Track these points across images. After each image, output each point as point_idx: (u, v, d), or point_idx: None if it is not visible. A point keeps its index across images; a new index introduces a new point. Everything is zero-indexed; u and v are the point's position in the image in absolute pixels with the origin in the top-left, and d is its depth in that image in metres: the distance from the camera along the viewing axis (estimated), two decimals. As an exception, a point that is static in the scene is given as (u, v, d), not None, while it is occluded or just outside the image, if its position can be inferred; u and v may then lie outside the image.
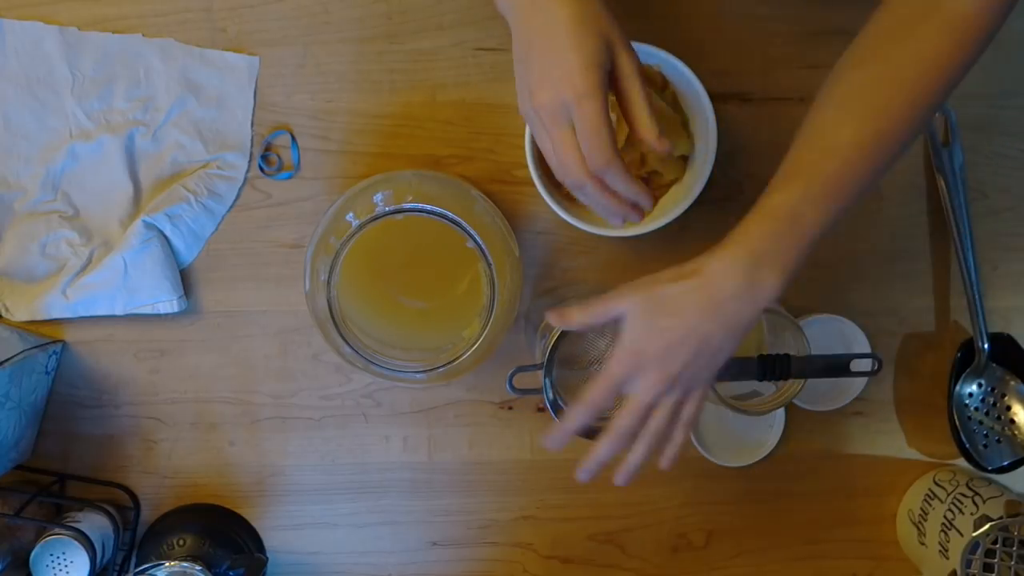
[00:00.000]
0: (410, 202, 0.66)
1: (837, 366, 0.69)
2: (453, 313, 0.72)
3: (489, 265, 0.66)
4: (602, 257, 0.82)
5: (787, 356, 0.71)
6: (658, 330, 0.59)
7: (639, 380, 0.60)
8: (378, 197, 0.68)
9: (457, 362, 0.68)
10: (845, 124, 0.60)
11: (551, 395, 0.66)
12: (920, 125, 0.61)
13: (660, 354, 0.59)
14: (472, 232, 0.66)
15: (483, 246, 0.66)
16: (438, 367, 0.68)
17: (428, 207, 0.65)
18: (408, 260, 0.72)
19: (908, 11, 0.61)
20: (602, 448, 0.63)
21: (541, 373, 0.66)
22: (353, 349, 0.67)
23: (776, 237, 0.58)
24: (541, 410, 0.84)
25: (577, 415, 0.62)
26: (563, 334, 0.65)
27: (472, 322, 0.69)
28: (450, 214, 0.65)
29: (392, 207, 0.65)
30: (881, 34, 0.62)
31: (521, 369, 0.66)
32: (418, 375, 0.69)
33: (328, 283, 0.67)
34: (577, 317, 0.62)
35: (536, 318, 0.78)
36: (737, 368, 0.71)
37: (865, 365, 0.67)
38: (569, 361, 0.68)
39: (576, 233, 0.77)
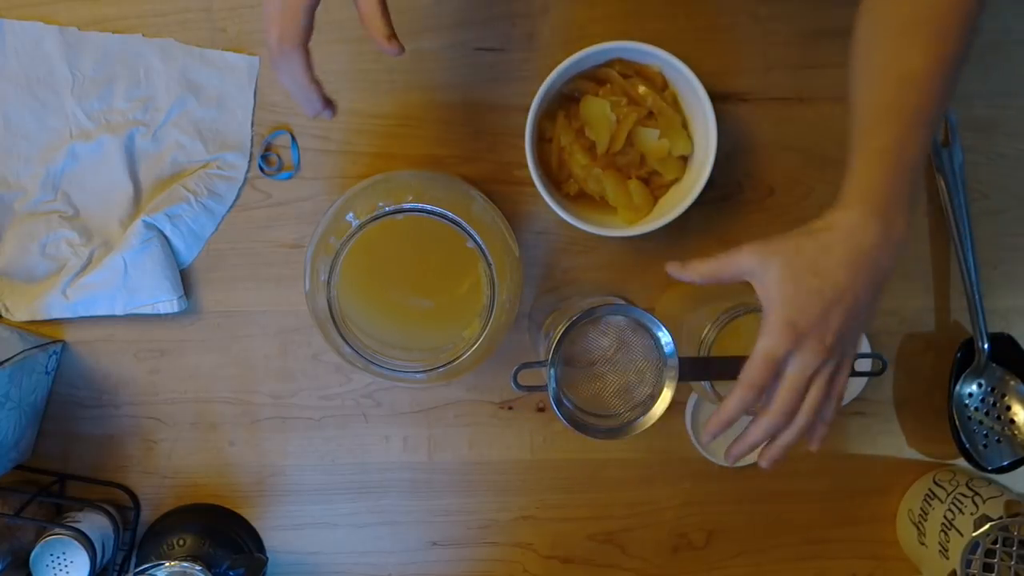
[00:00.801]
0: (410, 202, 0.66)
1: None
2: (453, 313, 0.72)
3: (489, 265, 0.66)
4: (602, 257, 0.82)
5: None
6: (809, 293, 0.56)
7: (798, 353, 0.57)
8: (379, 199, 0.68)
9: (457, 362, 0.68)
10: (914, 54, 0.59)
11: (556, 392, 0.66)
12: (972, 42, 0.60)
13: (816, 322, 0.56)
14: (472, 232, 0.66)
15: (483, 246, 0.66)
16: (438, 367, 0.68)
17: (428, 207, 0.65)
18: (408, 260, 0.72)
19: None
20: (758, 430, 0.60)
21: (545, 370, 0.66)
22: (353, 349, 0.67)
23: (894, 180, 0.58)
24: (541, 410, 0.84)
25: (739, 401, 0.59)
26: (567, 331, 0.65)
27: (472, 322, 0.69)
28: (450, 214, 0.65)
29: (392, 207, 0.65)
30: None
31: (526, 366, 0.66)
32: (418, 375, 0.69)
33: (328, 283, 0.67)
34: (703, 268, 0.60)
35: (538, 317, 0.78)
36: (739, 367, 0.71)
37: (866, 365, 0.67)
38: (571, 359, 0.68)
39: (576, 233, 0.77)
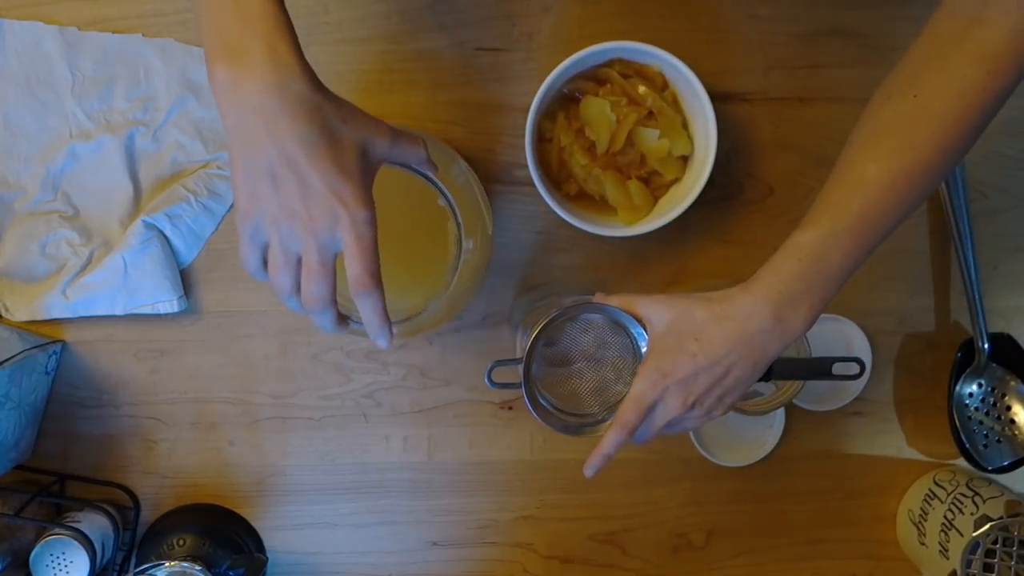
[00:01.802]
0: None
1: (819, 369, 0.69)
2: (420, 271, 0.70)
3: (458, 225, 0.65)
4: (603, 257, 0.82)
5: None
6: (684, 351, 0.60)
7: (662, 402, 0.62)
8: None
9: (418, 318, 0.66)
10: (871, 160, 0.59)
11: (530, 390, 0.66)
12: (951, 161, 0.59)
13: (684, 379, 0.61)
14: (443, 188, 0.64)
15: (453, 203, 0.65)
16: (398, 321, 0.66)
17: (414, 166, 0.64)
18: (380, 218, 0.70)
19: (941, 39, 0.59)
20: (608, 445, 0.63)
21: (520, 367, 0.65)
22: None
23: (803, 277, 0.59)
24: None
25: (614, 438, 0.62)
26: (543, 329, 0.65)
27: (437, 282, 0.67)
28: (421, 167, 0.64)
29: None
30: (914, 64, 0.61)
31: (501, 363, 0.66)
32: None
33: None
34: (615, 302, 0.63)
35: (526, 316, 0.78)
36: None
37: (849, 369, 0.67)
38: (548, 357, 0.67)
39: (576, 233, 0.77)
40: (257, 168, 0.53)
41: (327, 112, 0.53)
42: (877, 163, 0.59)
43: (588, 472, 0.63)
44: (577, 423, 0.67)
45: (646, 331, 0.63)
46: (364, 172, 0.55)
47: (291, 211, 0.53)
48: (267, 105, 0.51)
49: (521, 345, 0.67)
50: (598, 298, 0.64)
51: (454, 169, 0.68)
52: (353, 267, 0.54)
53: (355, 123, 0.55)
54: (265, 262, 0.57)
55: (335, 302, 0.57)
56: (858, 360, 0.67)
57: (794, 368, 0.69)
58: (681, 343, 0.60)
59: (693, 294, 0.62)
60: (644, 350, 0.64)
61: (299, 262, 0.55)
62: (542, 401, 0.67)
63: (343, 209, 0.53)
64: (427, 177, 0.64)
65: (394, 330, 0.59)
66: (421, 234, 0.71)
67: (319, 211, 0.53)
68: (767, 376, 0.68)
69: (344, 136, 0.54)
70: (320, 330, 0.59)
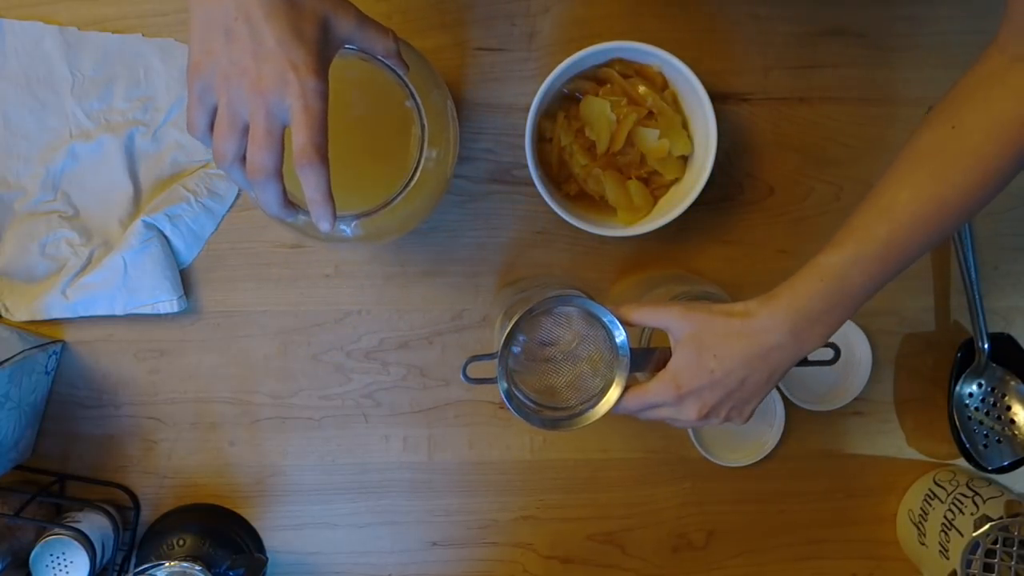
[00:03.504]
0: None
1: None
2: (376, 169, 0.68)
3: (422, 127, 0.63)
4: (602, 257, 0.82)
5: None
6: (701, 366, 0.62)
7: (675, 407, 0.64)
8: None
9: (368, 218, 0.63)
10: (904, 188, 0.59)
11: (505, 385, 0.65)
12: (986, 195, 0.59)
13: (698, 391, 0.62)
14: (412, 89, 0.62)
15: (420, 105, 0.62)
16: (350, 214, 0.63)
17: (381, 57, 0.60)
18: (342, 109, 0.65)
19: (987, 73, 0.59)
20: (623, 408, 0.66)
21: (496, 362, 0.65)
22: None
23: (823, 297, 0.60)
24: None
25: (616, 411, 0.66)
26: (518, 323, 0.65)
27: (392, 184, 0.64)
28: (390, 62, 0.61)
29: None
30: (958, 96, 0.60)
31: (476, 358, 0.66)
32: (345, 229, 0.65)
33: None
34: (631, 315, 0.64)
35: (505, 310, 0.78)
36: None
37: (824, 354, 0.67)
38: (525, 351, 0.67)
39: (576, 233, 0.77)
40: (213, 20, 0.51)
41: None
42: (910, 190, 0.59)
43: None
44: (553, 416, 0.67)
45: (671, 339, 0.64)
46: (322, 45, 0.53)
47: (241, 68, 0.51)
48: None
49: (498, 339, 0.67)
50: (617, 313, 0.65)
51: (425, 75, 0.66)
52: (299, 136, 0.52)
53: None
54: (213, 127, 0.54)
55: (280, 176, 0.53)
56: (833, 345, 0.67)
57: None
58: (700, 357, 0.62)
59: (715, 306, 0.63)
60: (619, 339, 0.65)
61: (246, 130, 0.53)
62: (519, 395, 0.67)
63: (293, 74, 0.51)
64: (398, 75, 0.62)
65: (344, 226, 0.58)
66: (384, 132, 0.68)
67: (269, 72, 0.51)
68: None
69: (307, 4, 0.52)
70: (266, 211, 0.56)
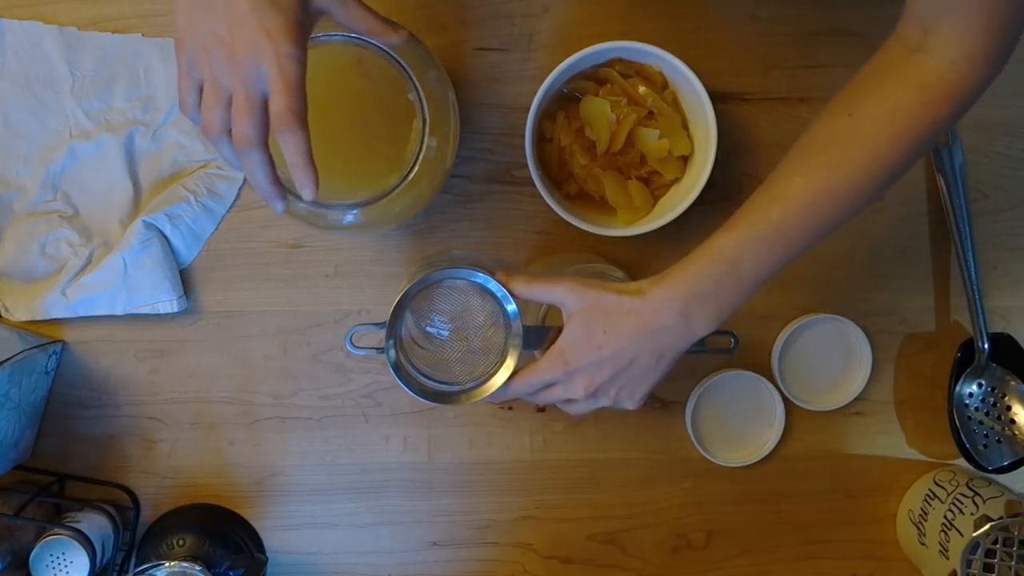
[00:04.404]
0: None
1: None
2: (375, 158, 0.68)
3: (424, 120, 0.63)
4: (602, 257, 0.82)
5: None
6: (591, 342, 0.61)
7: (564, 384, 0.64)
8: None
9: (369, 207, 0.63)
10: (798, 174, 0.60)
11: (394, 355, 0.65)
12: (879, 186, 0.59)
13: (587, 367, 0.62)
14: (415, 80, 0.62)
15: (422, 96, 0.63)
16: (351, 203, 0.64)
17: (374, 40, 0.61)
18: (344, 100, 0.67)
19: (884, 63, 0.60)
20: (497, 398, 0.66)
21: (383, 331, 0.64)
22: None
23: (714, 279, 0.60)
24: (541, 410, 0.84)
25: (500, 395, 0.66)
26: (407, 293, 0.64)
27: (393, 172, 0.65)
28: (395, 53, 0.62)
29: (344, 34, 0.61)
30: (856, 85, 0.61)
31: (363, 326, 0.65)
32: (345, 217, 0.65)
33: None
34: (521, 288, 0.64)
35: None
36: None
37: (722, 342, 0.66)
38: (418, 323, 0.66)
39: (576, 233, 0.77)
40: None
41: None
42: (803, 177, 0.59)
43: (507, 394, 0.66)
44: (442, 390, 0.67)
45: (564, 314, 0.63)
46: (300, 14, 0.53)
47: (218, 38, 0.51)
48: None
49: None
50: (499, 278, 0.64)
51: (428, 66, 0.66)
52: (276, 102, 0.52)
53: None
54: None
55: (265, 147, 0.53)
56: (732, 333, 0.67)
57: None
58: (589, 333, 0.61)
59: (608, 283, 0.62)
60: (511, 310, 0.65)
61: (231, 101, 0.53)
62: (410, 368, 0.66)
63: (267, 40, 0.51)
64: (401, 65, 0.62)
65: (345, 214, 0.59)
66: (387, 121, 0.68)
67: (243, 39, 0.51)
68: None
69: None
70: (258, 191, 0.56)
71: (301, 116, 0.52)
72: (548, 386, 0.65)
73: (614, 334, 0.61)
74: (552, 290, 0.63)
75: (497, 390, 0.66)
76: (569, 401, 0.65)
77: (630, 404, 0.64)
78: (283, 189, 0.56)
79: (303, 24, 0.53)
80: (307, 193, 0.54)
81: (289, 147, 0.53)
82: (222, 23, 0.51)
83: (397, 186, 0.63)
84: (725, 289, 0.60)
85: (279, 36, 0.51)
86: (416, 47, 0.65)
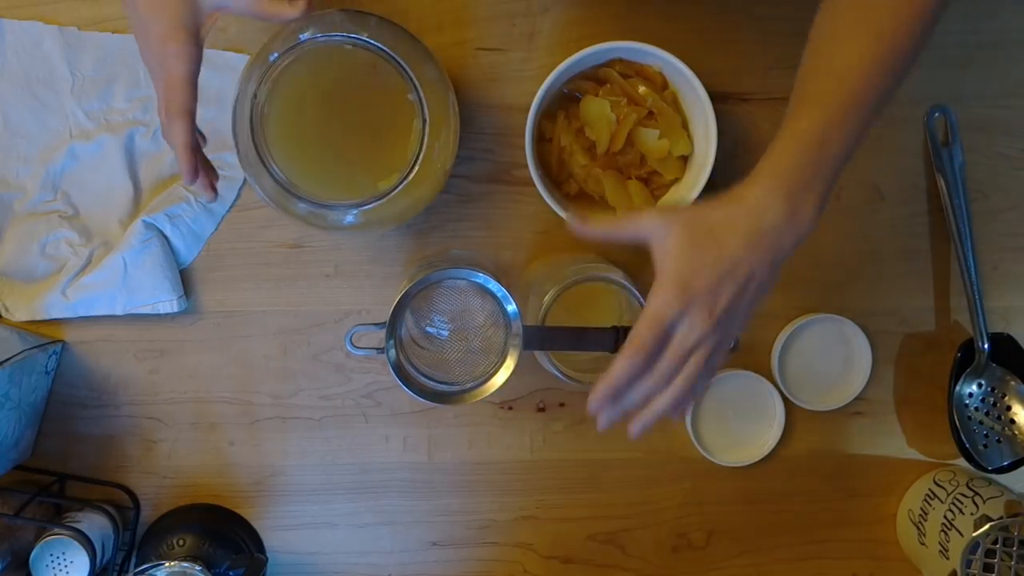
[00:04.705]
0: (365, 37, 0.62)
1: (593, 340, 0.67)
2: (376, 159, 0.68)
3: (424, 120, 0.63)
4: (603, 257, 0.82)
5: None
6: (705, 257, 0.55)
7: (686, 319, 0.56)
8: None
9: (369, 207, 0.64)
10: (852, 49, 0.58)
11: (394, 354, 0.64)
12: (923, 39, 0.59)
13: (709, 288, 0.55)
14: (414, 79, 0.63)
15: (422, 96, 0.63)
16: (351, 203, 0.64)
17: (374, 42, 0.62)
18: (344, 103, 0.67)
19: None
20: (637, 394, 0.57)
21: (384, 332, 0.63)
22: (276, 180, 0.63)
23: (809, 165, 0.57)
24: (541, 410, 0.84)
25: (628, 363, 0.56)
26: (407, 293, 0.63)
27: (394, 172, 0.65)
28: (397, 56, 0.62)
29: (342, 33, 0.62)
30: None
31: (363, 326, 0.65)
32: (346, 217, 0.65)
33: (255, 97, 0.62)
34: (604, 225, 0.59)
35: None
36: (592, 338, 0.67)
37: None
38: (419, 322, 0.65)
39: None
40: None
41: None
42: (857, 50, 0.58)
43: (593, 406, 0.57)
44: (442, 390, 0.66)
45: (652, 250, 0.56)
46: (184, 17, 0.59)
47: (143, 53, 0.61)
48: None
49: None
50: (573, 223, 0.59)
51: (428, 66, 0.66)
52: (161, 96, 0.60)
53: None
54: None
55: (175, 136, 0.60)
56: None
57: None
58: (700, 252, 0.55)
59: (698, 202, 0.59)
60: (511, 310, 0.64)
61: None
62: (410, 368, 0.66)
63: (159, 45, 0.59)
64: (400, 65, 0.63)
65: (346, 215, 0.63)
66: (387, 122, 0.68)
67: (149, 49, 0.60)
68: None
69: None
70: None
71: (182, 108, 0.58)
72: (667, 331, 0.56)
73: (728, 246, 0.55)
74: (635, 223, 0.57)
75: (622, 358, 0.56)
76: (691, 353, 0.56)
77: (732, 337, 0.59)
78: (200, 175, 0.63)
79: (188, 24, 0.59)
80: (207, 195, 0.65)
81: (170, 140, 0.59)
82: (141, 39, 0.60)
83: (397, 186, 0.64)
84: (821, 173, 0.57)
85: (167, 39, 0.58)
86: (415, 47, 0.65)
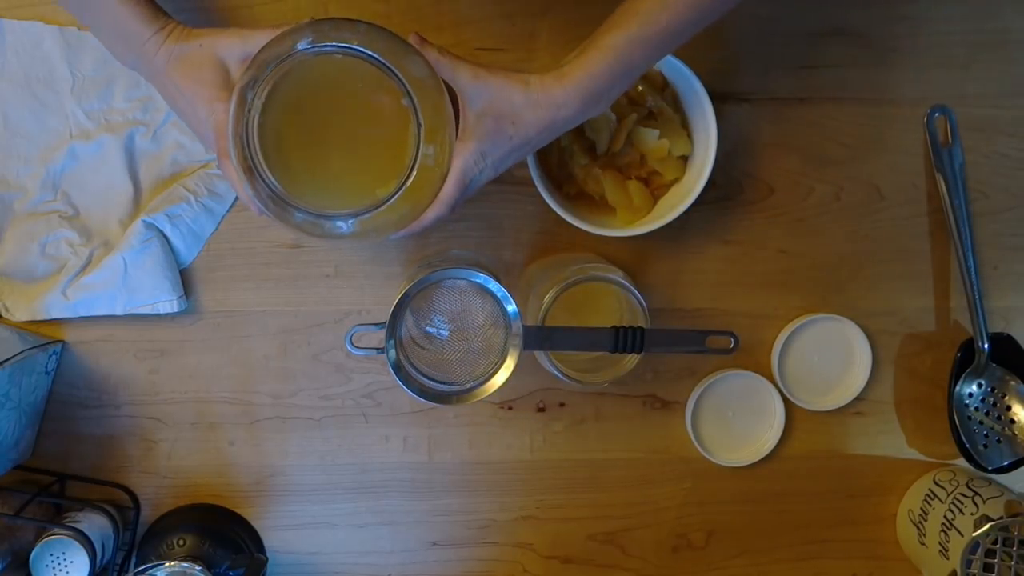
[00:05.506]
0: (354, 44, 0.63)
1: (692, 340, 0.69)
2: (372, 172, 0.67)
3: (419, 125, 0.64)
4: (602, 257, 0.82)
5: (640, 328, 0.68)
6: (502, 136, 0.65)
7: (481, 175, 0.66)
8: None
9: (367, 215, 0.64)
10: None
11: (394, 354, 0.65)
12: None
13: (503, 157, 0.65)
14: (408, 87, 0.63)
15: (416, 102, 0.62)
16: (347, 212, 0.64)
17: (364, 50, 0.62)
18: (337, 108, 0.67)
19: None
20: (429, 220, 0.66)
21: (384, 331, 0.64)
22: (270, 188, 0.63)
23: (611, 75, 0.64)
24: (541, 410, 0.84)
25: (436, 215, 0.65)
26: (407, 293, 0.64)
27: (390, 179, 0.65)
28: (388, 63, 0.62)
29: (330, 43, 0.62)
30: None
31: (363, 326, 0.65)
32: (342, 226, 0.65)
33: (251, 103, 0.62)
34: (432, 52, 0.65)
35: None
36: (592, 338, 0.68)
37: (722, 342, 0.66)
38: (418, 323, 0.66)
39: (576, 233, 0.77)
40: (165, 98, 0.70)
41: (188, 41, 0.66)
42: None
43: (399, 237, 0.67)
44: (442, 390, 0.67)
45: (460, 105, 0.64)
46: (214, 74, 0.65)
47: (189, 120, 0.68)
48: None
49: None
50: (413, 39, 0.64)
51: (422, 72, 0.65)
52: (210, 144, 0.66)
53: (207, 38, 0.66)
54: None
55: (233, 170, 0.63)
56: (732, 334, 0.67)
57: (666, 339, 0.70)
58: (499, 125, 0.64)
59: (511, 73, 0.65)
60: (511, 310, 0.65)
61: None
62: (410, 368, 0.66)
63: (203, 105, 0.65)
64: (394, 73, 0.63)
65: (342, 223, 0.64)
66: (382, 130, 0.68)
67: (194, 111, 0.66)
68: (639, 348, 0.67)
69: (194, 53, 0.66)
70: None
71: (224, 152, 0.63)
72: (468, 187, 0.66)
73: (522, 126, 0.65)
74: (457, 73, 0.64)
75: (433, 209, 0.64)
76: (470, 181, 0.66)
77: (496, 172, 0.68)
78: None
79: (226, 85, 0.65)
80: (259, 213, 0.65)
81: (229, 175, 0.64)
82: (187, 109, 0.67)
83: (394, 194, 0.64)
84: (618, 83, 0.65)
85: (213, 100, 0.65)
86: (406, 51, 0.65)
